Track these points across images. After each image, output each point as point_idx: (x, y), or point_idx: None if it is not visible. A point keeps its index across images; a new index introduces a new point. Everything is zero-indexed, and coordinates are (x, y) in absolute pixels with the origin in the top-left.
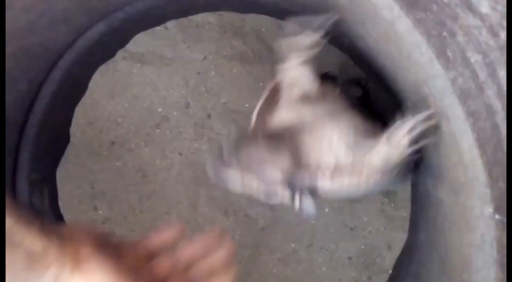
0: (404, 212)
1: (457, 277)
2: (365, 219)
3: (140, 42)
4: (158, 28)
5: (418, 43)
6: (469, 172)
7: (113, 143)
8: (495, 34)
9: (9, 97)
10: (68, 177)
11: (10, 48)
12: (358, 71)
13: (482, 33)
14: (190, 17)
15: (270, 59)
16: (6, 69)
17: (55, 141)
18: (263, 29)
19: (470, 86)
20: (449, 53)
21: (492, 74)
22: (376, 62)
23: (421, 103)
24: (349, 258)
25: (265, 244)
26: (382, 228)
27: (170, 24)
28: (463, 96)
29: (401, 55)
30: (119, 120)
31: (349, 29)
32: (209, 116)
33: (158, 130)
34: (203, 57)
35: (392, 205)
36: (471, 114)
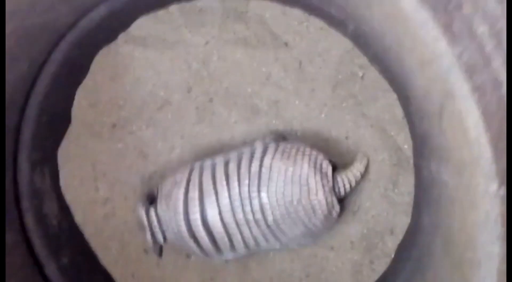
0: (407, 197)
1: (460, 256)
2: (367, 203)
3: (142, 25)
4: (160, 12)
5: (424, 20)
6: (475, 150)
7: (114, 125)
8: (501, 1)
9: (10, 77)
10: (69, 157)
11: (11, 26)
12: (362, 60)
13: (489, 2)
14: (193, 1)
15: (273, 45)
16: (8, 47)
17: (56, 122)
18: (267, 15)
19: (477, 60)
20: (455, 28)
21: (499, 44)
22: (380, 46)
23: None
24: (351, 242)
25: None
26: (385, 213)
27: (173, 8)
28: (469, 72)
29: (406, 36)
30: (121, 103)
31: (354, 11)
32: (211, 100)
33: (159, 113)
34: (205, 41)
35: (395, 191)
36: (477, 89)
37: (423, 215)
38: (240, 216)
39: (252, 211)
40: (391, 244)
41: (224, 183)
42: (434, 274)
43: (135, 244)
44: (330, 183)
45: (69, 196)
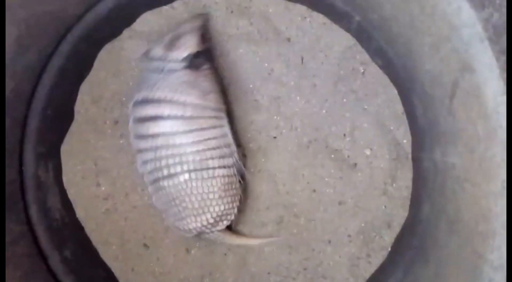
0: (405, 192)
1: (471, 231)
2: (365, 198)
3: (146, 21)
4: (164, 7)
5: None
6: (492, 122)
7: (117, 121)
8: None
9: (18, 67)
10: (72, 153)
11: (22, 14)
12: (363, 56)
13: None
14: None
15: (276, 40)
16: (18, 36)
17: (60, 116)
18: (270, 10)
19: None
20: None
21: None
22: (386, 37)
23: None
24: (349, 236)
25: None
26: (383, 207)
27: (177, 3)
28: (497, 34)
29: (423, 14)
30: (123, 99)
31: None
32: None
33: None
34: (209, 36)
35: (394, 185)
36: (503, 53)
37: (423, 206)
38: None
39: None
40: (388, 237)
41: None
42: (438, 256)
43: (135, 239)
44: None
45: (71, 191)
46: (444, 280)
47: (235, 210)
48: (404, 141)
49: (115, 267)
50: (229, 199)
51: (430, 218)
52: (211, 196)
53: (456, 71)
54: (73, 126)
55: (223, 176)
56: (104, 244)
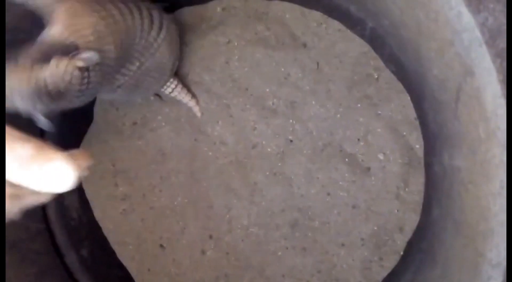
0: (417, 196)
1: (473, 230)
2: (378, 201)
3: None
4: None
5: None
6: (491, 124)
7: (135, 123)
8: None
9: None
10: (91, 153)
11: None
12: (377, 62)
13: None
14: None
15: (293, 45)
16: None
17: (80, 118)
18: (287, 16)
19: (501, 22)
20: None
21: None
22: (398, 42)
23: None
24: (362, 239)
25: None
26: (395, 211)
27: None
28: (492, 38)
29: (427, 19)
30: (140, 101)
31: (375, 4)
32: (230, 100)
33: (180, 111)
34: (227, 40)
35: (406, 189)
36: (499, 55)
37: (433, 210)
38: None
39: None
40: (400, 241)
41: None
42: (445, 256)
43: (151, 240)
44: None
45: (89, 191)
46: (449, 279)
47: None
48: (417, 146)
49: (132, 267)
50: None
51: (438, 221)
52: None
53: (460, 75)
54: (92, 128)
55: None
56: (121, 244)
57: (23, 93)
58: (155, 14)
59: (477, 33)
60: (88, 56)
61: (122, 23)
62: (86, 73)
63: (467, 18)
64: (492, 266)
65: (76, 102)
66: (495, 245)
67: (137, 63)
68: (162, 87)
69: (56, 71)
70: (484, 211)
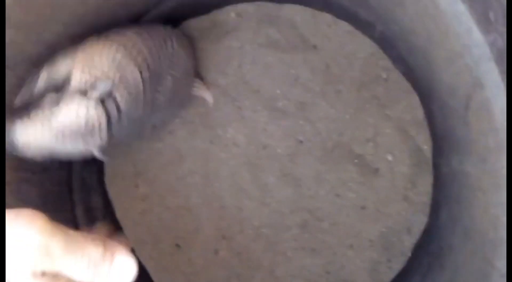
0: (425, 197)
1: (483, 237)
2: (386, 203)
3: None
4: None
5: (460, 12)
6: (500, 135)
7: (154, 125)
8: None
9: None
10: (113, 155)
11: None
12: (386, 63)
13: None
14: (230, 6)
15: (303, 47)
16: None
17: None
18: (298, 19)
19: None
20: (491, 16)
21: None
22: (407, 46)
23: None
24: (370, 241)
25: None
26: (404, 212)
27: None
28: (501, 57)
29: (437, 30)
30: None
31: (385, 11)
32: (242, 102)
33: (196, 114)
34: (240, 45)
35: (414, 190)
36: (505, 74)
37: (441, 212)
38: None
39: None
40: (408, 242)
41: None
42: (453, 261)
43: (168, 239)
44: None
45: (112, 191)
46: None
47: None
48: (425, 147)
49: (149, 266)
50: None
51: (447, 224)
52: None
53: (469, 85)
54: None
55: None
56: (140, 243)
57: (41, 143)
58: (160, 28)
59: (487, 49)
60: (99, 85)
61: (141, 44)
62: (112, 104)
63: (476, 35)
64: (501, 276)
65: (122, 135)
66: (504, 255)
67: (169, 77)
68: (191, 89)
69: (68, 109)
70: (493, 219)
